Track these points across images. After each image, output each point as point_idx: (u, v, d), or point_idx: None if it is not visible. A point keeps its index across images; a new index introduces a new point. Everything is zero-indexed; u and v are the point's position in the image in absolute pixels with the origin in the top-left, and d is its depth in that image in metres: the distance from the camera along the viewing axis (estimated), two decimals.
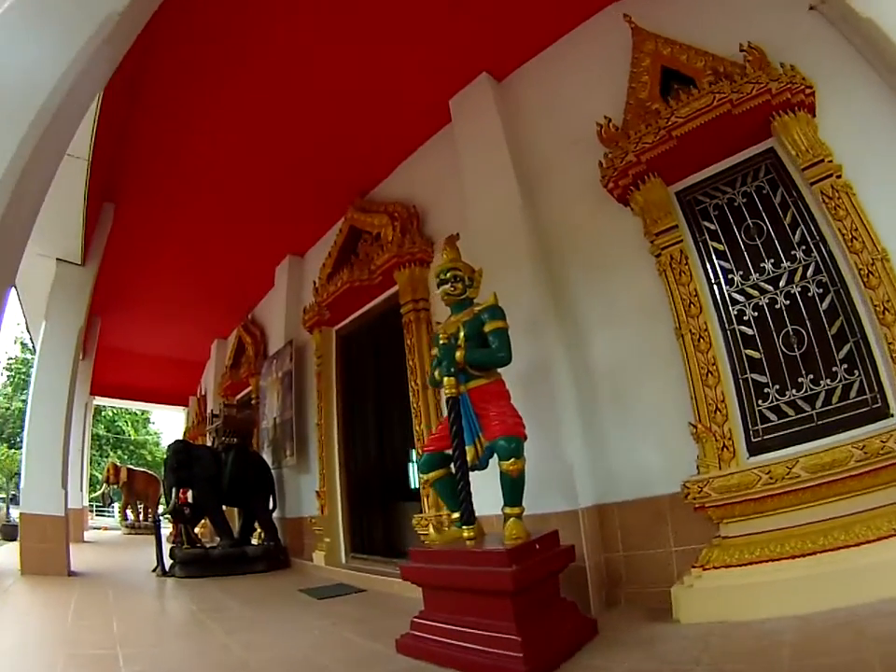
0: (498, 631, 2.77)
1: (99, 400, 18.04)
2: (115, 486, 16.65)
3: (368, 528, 7.56)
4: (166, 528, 16.81)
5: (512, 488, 3.31)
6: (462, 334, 3.52)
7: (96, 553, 10.17)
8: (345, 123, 6.44)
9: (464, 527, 3.35)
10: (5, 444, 25.96)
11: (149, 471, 18.51)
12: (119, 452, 29.63)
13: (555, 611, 3.09)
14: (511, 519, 3.25)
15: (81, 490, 12.89)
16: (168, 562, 7.28)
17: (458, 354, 3.44)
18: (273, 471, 8.79)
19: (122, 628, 4.11)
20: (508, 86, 5.75)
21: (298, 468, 8.54)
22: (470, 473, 3.42)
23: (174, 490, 7.69)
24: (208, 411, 13.19)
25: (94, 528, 16.96)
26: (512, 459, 3.23)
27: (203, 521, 9.05)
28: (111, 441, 30.76)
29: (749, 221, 3.91)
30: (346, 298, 7.38)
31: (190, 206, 8.14)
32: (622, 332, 4.31)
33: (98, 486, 17.90)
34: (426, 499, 5.58)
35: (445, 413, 3.55)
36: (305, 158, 7.02)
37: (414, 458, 6.23)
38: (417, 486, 8.34)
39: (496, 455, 3.35)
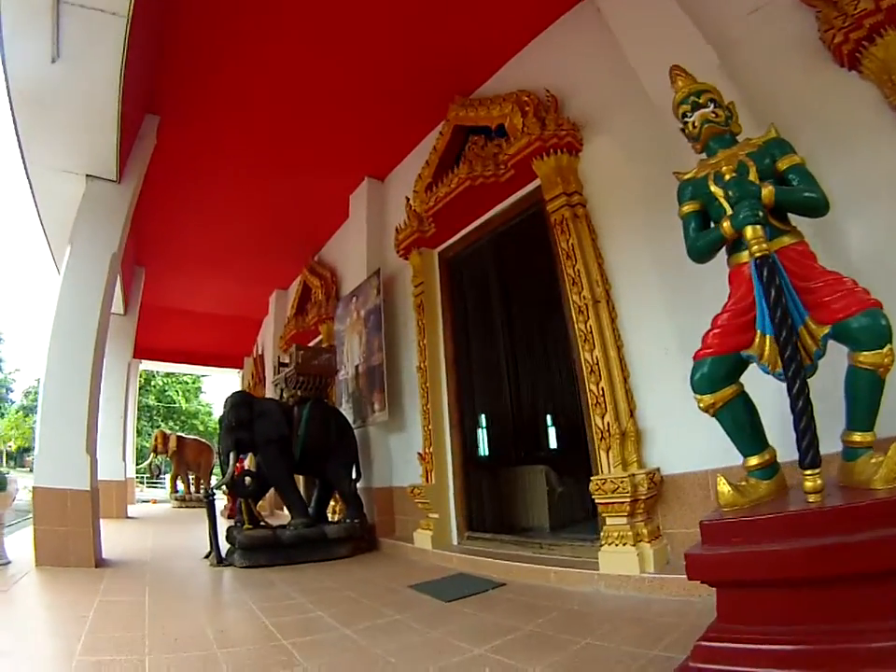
0: None
1: (145, 365, 16.76)
2: (164, 456, 15.34)
3: (491, 500, 6.10)
4: (220, 503, 15.55)
5: (872, 397, 2.08)
6: (753, 169, 2.36)
7: (138, 531, 8.60)
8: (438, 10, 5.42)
9: (806, 473, 1.96)
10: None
11: (201, 439, 17.12)
12: (171, 422, 28.81)
13: None
14: (868, 452, 2.07)
15: (125, 460, 11.39)
16: (224, 547, 5.63)
17: (766, 191, 2.25)
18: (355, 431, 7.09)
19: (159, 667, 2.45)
20: None
21: (388, 425, 6.95)
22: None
23: (231, 456, 5.92)
24: (268, 368, 11.77)
25: (143, 501, 15.78)
26: (888, 348, 2.00)
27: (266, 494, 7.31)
28: (161, 411, 30.16)
29: None
30: (462, 202, 5.82)
31: (248, 124, 7.03)
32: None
33: (147, 457, 16.55)
34: (603, 455, 4.11)
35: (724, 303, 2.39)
36: (388, 58, 6.03)
37: (585, 403, 4.39)
38: (556, 446, 7.18)
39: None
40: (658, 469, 3.97)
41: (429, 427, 6.11)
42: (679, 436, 3.87)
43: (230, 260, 11.23)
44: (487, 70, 6.30)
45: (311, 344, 9.44)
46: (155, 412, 29.71)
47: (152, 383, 29.70)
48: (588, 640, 2.70)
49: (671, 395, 3.79)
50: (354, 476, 6.71)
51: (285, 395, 7.00)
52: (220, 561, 5.49)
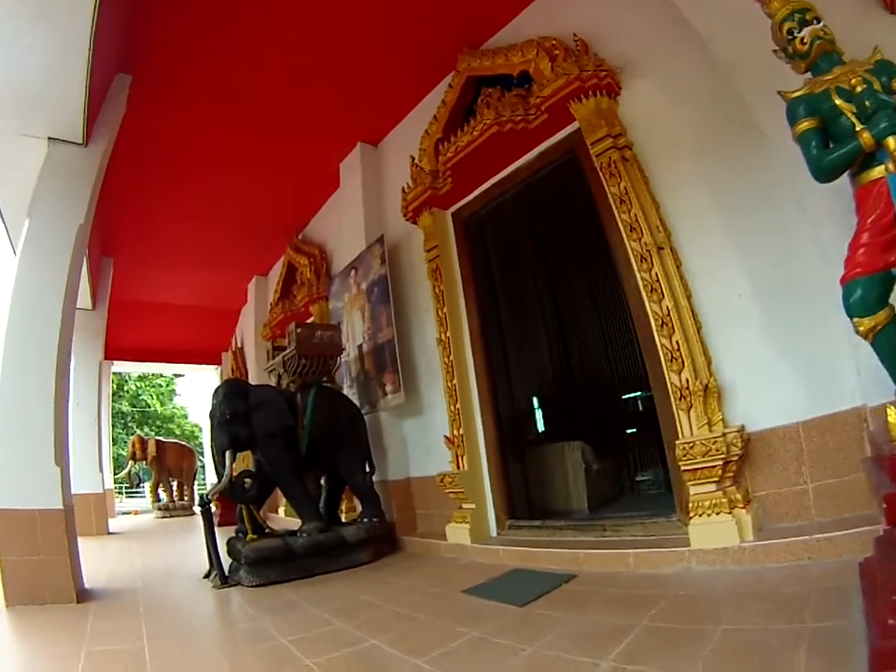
0: None
1: (117, 366, 15.67)
2: (142, 463, 14.23)
3: (531, 484, 5.58)
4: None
5: None
6: (876, 84, 2.26)
7: (122, 550, 7.59)
8: None
9: None
10: None
11: (182, 442, 16.03)
12: (146, 428, 27.47)
13: None
14: None
15: (101, 470, 10.29)
16: (226, 563, 4.82)
17: None
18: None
19: None
20: None
21: (403, 409, 6.27)
22: None
23: (228, 455, 5.03)
24: (250, 361, 11.08)
25: (123, 513, 14.75)
26: None
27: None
28: (136, 416, 28.69)
29: None
30: (485, 152, 5.18)
31: (227, 92, 6.34)
32: None
33: (124, 466, 15.42)
34: (683, 416, 3.69)
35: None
36: (386, 10, 5.43)
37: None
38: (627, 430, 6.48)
39: None
40: (743, 427, 3.60)
41: (456, 406, 5.46)
42: (763, 388, 3.61)
43: (205, 248, 10.38)
44: (500, 20, 5.75)
45: None
46: (129, 417, 28.26)
47: (125, 388, 28.36)
48: (724, 626, 2.26)
49: (749, 343, 3.67)
50: (368, 469, 5.95)
51: (283, 381, 6.11)
52: (225, 581, 4.65)
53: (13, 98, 4.84)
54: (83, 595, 4.27)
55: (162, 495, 13.92)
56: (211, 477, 16.39)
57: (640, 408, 6.15)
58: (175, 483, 14.04)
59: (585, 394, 6.36)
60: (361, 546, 5.29)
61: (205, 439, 18.05)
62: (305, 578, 4.74)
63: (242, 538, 5.07)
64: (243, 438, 5.13)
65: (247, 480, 5.27)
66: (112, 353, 13.12)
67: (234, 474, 5.15)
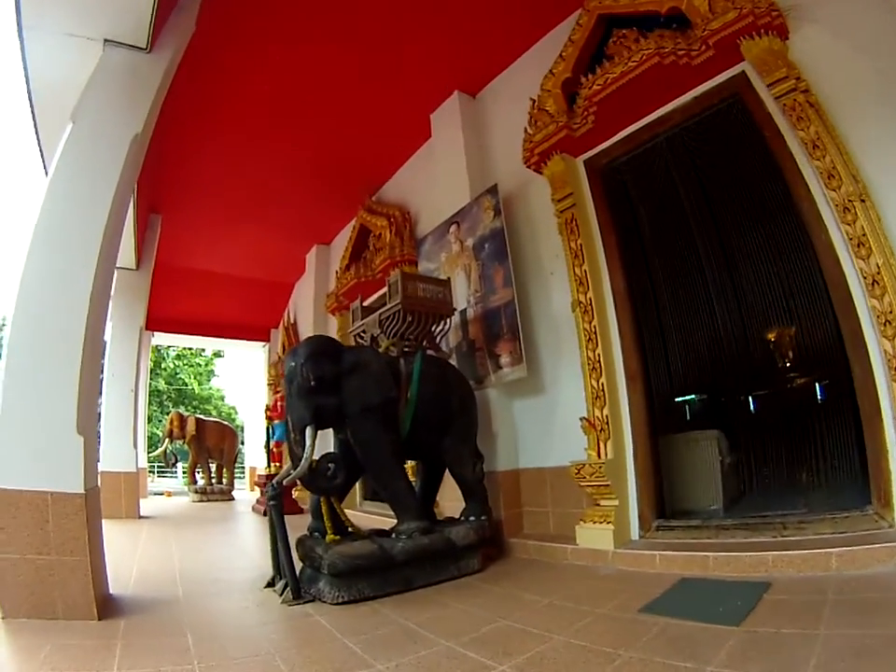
0: None
1: (157, 339, 14.81)
2: (179, 442, 13.25)
3: (679, 477, 4.85)
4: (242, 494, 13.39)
5: None
6: None
7: (156, 539, 6.47)
8: None
9: None
10: None
11: (223, 422, 15.10)
12: (182, 407, 26.77)
13: None
14: None
15: (136, 447, 9.20)
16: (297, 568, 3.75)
17: None
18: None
19: None
20: None
21: (519, 385, 5.31)
22: None
23: (309, 432, 3.86)
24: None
25: (155, 494, 13.87)
26: None
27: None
28: (172, 395, 28.02)
29: None
30: (638, 87, 4.49)
31: (305, 20, 5.54)
32: None
33: (159, 444, 14.48)
34: None
35: None
36: None
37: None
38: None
39: None
40: None
41: (600, 380, 4.59)
42: None
43: (263, 210, 9.46)
44: None
45: (374, 298, 7.39)
46: (165, 396, 27.68)
47: (162, 365, 27.81)
48: None
49: None
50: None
51: (382, 346, 4.90)
52: (298, 594, 3.57)
53: None
54: (107, 608, 3.22)
55: (199, 477, 12.95)
56: (254, 460, 15.46)
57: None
58: (213, 466, 13.08)
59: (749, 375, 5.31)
60: (471, 551, 4.28)
61: (247, 422, 17.08)
62: (406, 591, 3.73)
63: (319, 539, 3.97)
64: (329, 411, 3.98)
65: (331, 465, 4.05)
66: (153, 323, 12.27)
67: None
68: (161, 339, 15.42)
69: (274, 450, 10.02)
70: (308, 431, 3.84)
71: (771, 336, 5.25)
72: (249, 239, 10.56)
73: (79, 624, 2.92)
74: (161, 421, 23.72)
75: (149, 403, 18.03)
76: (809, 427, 4.86)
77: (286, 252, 11.11)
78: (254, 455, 15.57)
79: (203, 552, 5.82)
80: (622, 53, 4.56)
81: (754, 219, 4.94)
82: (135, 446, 9.11)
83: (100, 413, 8.22)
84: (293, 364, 3.99)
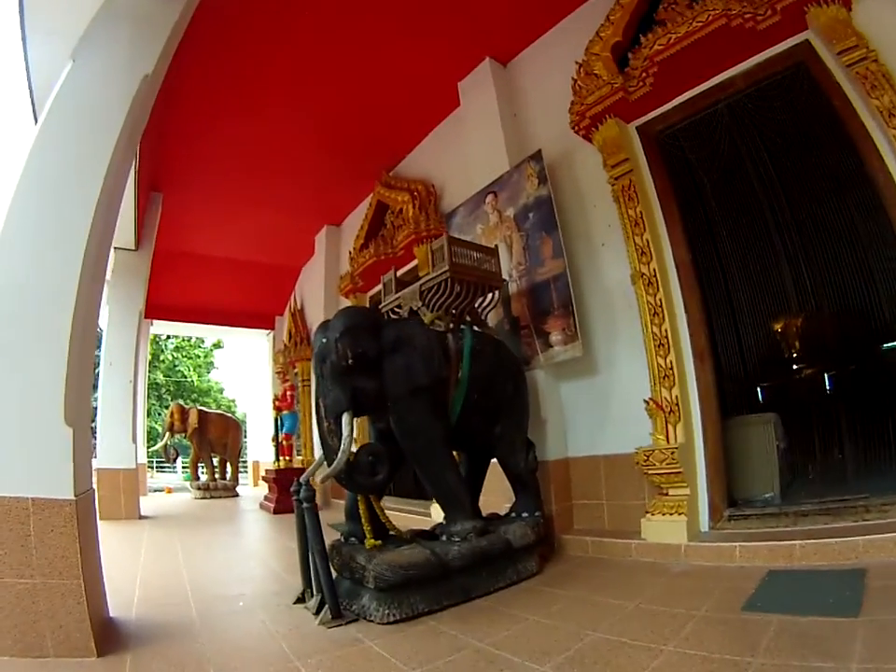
0: None
1: (156, 328, 14.19)
2: (181, 435, 12.60)
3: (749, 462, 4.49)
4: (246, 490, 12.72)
5: None
6: None
7: (160, 544, 5.77)
8: None
9: None
10: None
11: (226, 414, 14.47)
12: (182, 400, 26.27)
13: None
14: None
15: (135, 441, 8.51)
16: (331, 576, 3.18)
17: None
18: None
19: None
20: None
21: (570, 366, 4.86)
22: None
23: (346, 420, 3.29)
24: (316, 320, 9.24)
25: (155, 490, 13.24)
26: None
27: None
28: (171, 388, 27.27)
29: None
30: (703, 50, 4.23)
31: None
32: None
33: (159, 439, 13.81)
34: None
35: None
36: None
37: None
38: None
39: None
40: None
41: (668, 358, 4.23)
42: None
43: (270, 187, 8.87)
44: None
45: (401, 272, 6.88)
46: (164, 389, 26.96)
47: (161, 357, 27.14)
48: None
49: None
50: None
51: (426, 319, 4.29)
52: (339, 613, 3.01)
53: None
54: (107, 639, 2.64)
55: (201, 473, 12.35)
56: (257, 454, 14.82)
57: None
58: (216, 460, 12.48)
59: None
60: (528, 552, 3.81)
61: (250, 414, 16.41)
62: (463, 603, 3.22)
63: (357, 545, 3.41)
64: (369, 394, 3.41)
65: (370, 458, 3.43)
66: (152, 311, 11.53)
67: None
68: (160, 328, 14.80)
69: (284, 443, 9.41)
70: (345, 418, 3.28)
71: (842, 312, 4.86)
72: (254, 220, 9.99)
73: (74, 664, 2.38)
74: (160, 415, 23.10)
75: (148, 397, 17.39)
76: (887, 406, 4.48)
77: (293, 234, 10.57)
78: (257, 448, 14.99)
79: (214, 559, 5.22)
80: (675, 19, 4.32)
81: (826, 190, 4.65)
82: (134, 441, 8.45)
83: (96, 407, 7.61)
84: (326, 339, 3.41)
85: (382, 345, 3.47)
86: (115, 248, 8.44)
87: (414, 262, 7.08)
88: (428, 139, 7.64)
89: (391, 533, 3.59)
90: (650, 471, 4.12)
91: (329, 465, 3.29)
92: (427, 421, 3.56)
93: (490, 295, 4.71)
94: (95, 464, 8.26)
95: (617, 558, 4.06)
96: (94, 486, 2.94)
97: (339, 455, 3.18)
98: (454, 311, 4.39)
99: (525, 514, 4.09)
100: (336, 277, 9.54)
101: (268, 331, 14.04)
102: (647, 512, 4.09)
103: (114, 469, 7.49)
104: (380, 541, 3.38)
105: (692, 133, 4.85)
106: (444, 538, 3.53)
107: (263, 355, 14.54)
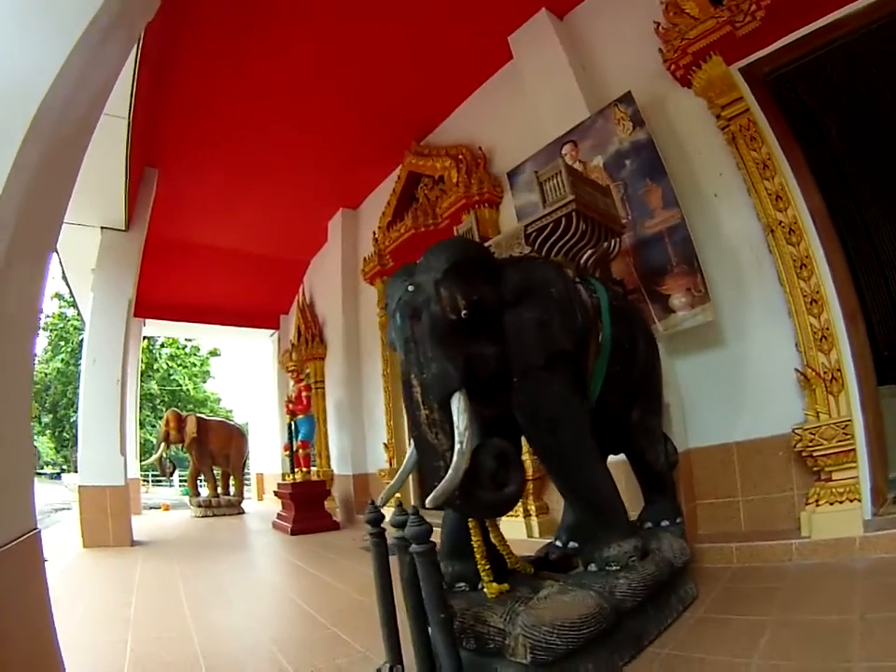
0: None
1: (150, 328, 13.04)
2: (178, 446, 11.33)
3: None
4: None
5: None
6: None
7: (157, 584, 4.50)
8: None
9: None
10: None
11: (228, 422, 13.19)
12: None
13: None
14: None
15: (124, 454, 7.01)
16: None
17: None
18: None
19: None
20: None
21: (692, 336, 4.15)
22: None
23: (459, 406, 2.08)
24: (334, 314, 8.79)
25: (151, 508, 12.08)
26: None
27: None
28: (166, 398, 26.06)
29: None
30: None
31: None
32: None
33: (154, 451, 12.49)
34: None
35: None
36: None
37: None
38: None
39: None
40: None
41: (823, 317, 3.65)
42: None
43: (279, 164, 7.97)
44: None
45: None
46: (159, 399, 25.92)
47: (155, 366, 26.06)
48: None
49: None
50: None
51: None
52: None
53: None
54: None
55: (201, 488, 11.22)
56: (261, 465, 13.58)
57: None
58: (218, 473, 11.33)
59: None
60: (686, 571, 2.96)
61: (252, 422, 15.14)
62: (636, 657, 2.28)
63: (471, 593, 2.33)
64: (489, 365, 2.31)
65: (495, 461, 2.22)
66: (145, 310, 10.54)
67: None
68: (154, 328, 13.63)
69: (300, 452, 8.21)
70: (457, 402, 2.10)
71: None
72: (260, 204, 9.00)
73: None
74: (154, 426, 22.06)
75: (141, 407, 16.28)
76: None
77: (303, 221, 9.63)
78: (261, 459, 13.80)
79: (232, 606, 3.86)
80: None
81: None
82: (124, 453, 7.12)
83: (76, 412, 6.42)
84: (417, 285, 2.25)
85: (503, 294, 2.37)
86: (102, 228, 7.43)
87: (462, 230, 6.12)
88: (471, 100, 6.95)
89: (516, 566, 2.49)
90: (815, 453, 3.51)
91: (428, 474, 2.10)
92: (572, 404, 2.49)
93: (615, 243, 3.73)
94: (77, 480, 7.18)
95: (775, 563, 3.42)
96: (38, 527, 1.82)
97: (455, 458, 1.99)
98: (591, 253, 3.38)
99: (664, 522, 3.16)
100: (354, 263, 8.85)
101: (272, 332, 13.05)
102: (807, 504, 3.53)
103: (99, 486, 6.36)
104: (506, 585, 2.26)
105: (803, 75, 4.41)
106: (594, 566, 2.48)
107: (267, 357, 13.49)
